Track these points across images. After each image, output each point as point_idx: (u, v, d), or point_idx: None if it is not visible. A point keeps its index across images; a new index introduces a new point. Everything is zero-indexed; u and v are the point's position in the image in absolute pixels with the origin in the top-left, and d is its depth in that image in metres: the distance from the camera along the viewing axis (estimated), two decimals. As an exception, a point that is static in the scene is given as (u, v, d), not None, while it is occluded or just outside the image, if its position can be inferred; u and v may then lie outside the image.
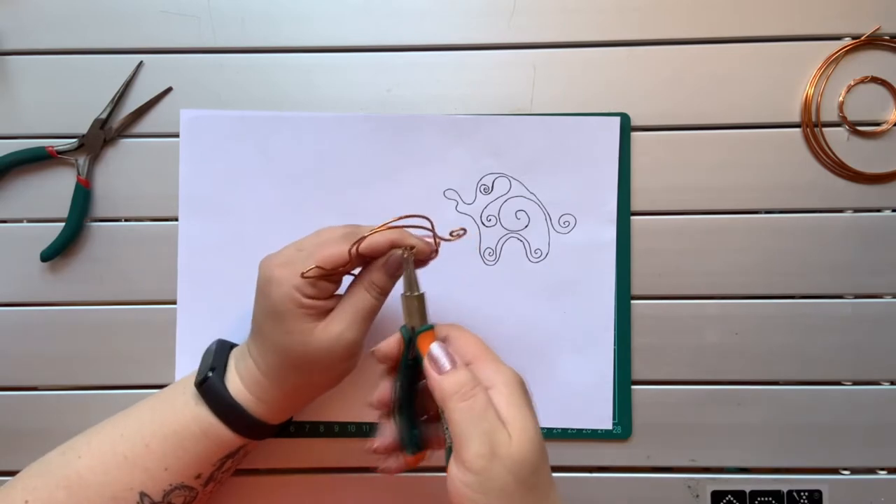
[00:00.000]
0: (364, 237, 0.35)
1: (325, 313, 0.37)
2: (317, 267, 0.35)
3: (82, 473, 0.37)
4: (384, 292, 0.38)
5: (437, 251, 0.38)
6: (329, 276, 0.36)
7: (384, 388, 0.37)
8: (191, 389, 0.39)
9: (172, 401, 0.40)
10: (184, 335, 0.47)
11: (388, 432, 0.37)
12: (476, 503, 0.29)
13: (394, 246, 0.36)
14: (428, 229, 0.37)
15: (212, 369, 0.39)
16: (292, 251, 0.37)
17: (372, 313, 0.38)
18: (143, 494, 0.37)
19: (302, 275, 0.35)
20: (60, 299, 0.48)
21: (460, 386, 0.32)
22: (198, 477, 0.39)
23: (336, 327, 0.36)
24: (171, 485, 0.38)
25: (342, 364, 0.38)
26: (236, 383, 0.39)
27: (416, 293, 0.35)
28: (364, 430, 0.47)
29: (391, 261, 0.37)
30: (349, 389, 0.47)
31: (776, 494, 0.47)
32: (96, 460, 0.38)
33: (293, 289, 0.36)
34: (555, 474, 0.46)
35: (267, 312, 0.37)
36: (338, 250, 0.36)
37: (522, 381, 0.33)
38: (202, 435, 0.38)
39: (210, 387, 0.38)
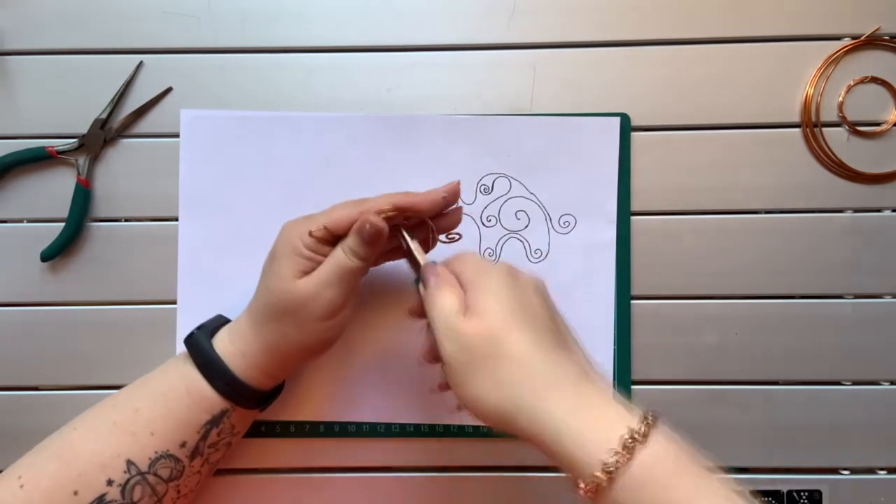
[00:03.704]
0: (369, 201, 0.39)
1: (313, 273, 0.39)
2: (325, 228, 0.38)
3: (74, 443, 0.38)
4: (359, 256, 0.38)
5: (434, 238, 0.41)
6: (335, 240, 0.39)
7: (427, 341, 0.38)
8: (182, 351, 0.41)
9: (164, 367, 0.41)
10: (184, 335, 0.47)
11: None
12: (450, 368, 0.35)
13: (397, 208, 0.38)
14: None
15: (200, 327, 0.41)
16: (311, 214, 0.40)
17: (349, 275, 0.38)
18: (129, 462, 0.37)
19: (310, 233, 0.38)
20: (60, 299, 0.48)
21: (431, 290, 0.37)
22: (182, 446, 0.39)
23: (313, 282, 0.38)
24: (156, 452, 0.38)
25: (318, 323, 0.38)
26: (223, 340, 0.40)
27: (404, 244, 0.40)
28: (363, 430, 0.47)
29: (361, 225, 0.38)
30: (349, 389, 0.47)
31: (776, 494, 0.47)
32: (88, 430, 0.39)
33: (297, 237, 0.38)
34: (554, 474, 0.47)
35: (271, 254, 0.40)
36: (346, 212, 0.38)
37: (503, 273, 0.36)
38: (186, 393, 0.39)
39: (194, 341, 0.40)
